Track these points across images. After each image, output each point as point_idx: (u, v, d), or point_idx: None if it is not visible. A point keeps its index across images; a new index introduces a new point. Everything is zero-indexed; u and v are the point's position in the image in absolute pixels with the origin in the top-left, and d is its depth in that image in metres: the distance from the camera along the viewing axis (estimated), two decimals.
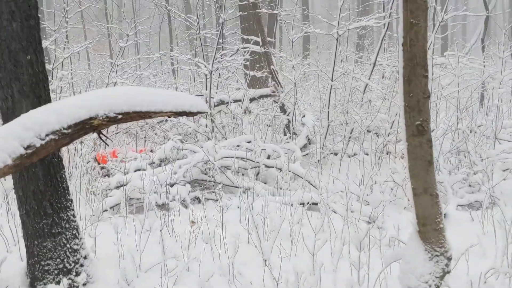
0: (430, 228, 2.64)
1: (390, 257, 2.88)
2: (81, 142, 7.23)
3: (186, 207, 5.27)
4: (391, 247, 4.47)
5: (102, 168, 6.07)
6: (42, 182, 3.18)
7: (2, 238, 4.08)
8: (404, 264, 2.73)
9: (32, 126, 1.94)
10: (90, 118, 1.98)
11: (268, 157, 6.14)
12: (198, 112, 2.17)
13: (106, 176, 6.08)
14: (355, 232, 4.32)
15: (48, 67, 8.45)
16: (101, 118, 1.98)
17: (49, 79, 7.60)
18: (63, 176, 3.32)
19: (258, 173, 6.03)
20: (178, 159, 6.09)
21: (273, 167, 5.85)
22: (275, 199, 5.31)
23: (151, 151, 6.63)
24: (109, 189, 5.46)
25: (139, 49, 17.27)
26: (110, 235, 4.27)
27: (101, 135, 2.22)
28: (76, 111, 1.93)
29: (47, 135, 1.96)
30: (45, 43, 7.75)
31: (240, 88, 8.57)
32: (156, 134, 7.66)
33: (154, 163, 6.03)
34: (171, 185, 5.45)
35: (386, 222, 4.91)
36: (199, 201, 5.36)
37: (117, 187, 5.54)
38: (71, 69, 7.00)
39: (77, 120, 1.94)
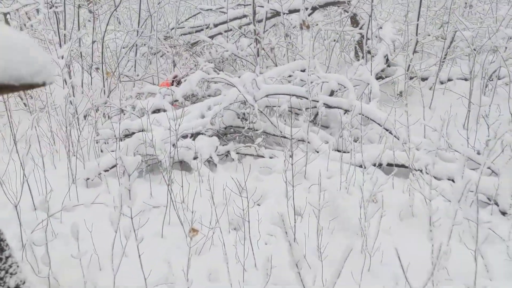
0: None
1: None
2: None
3: (215, 165, 3.81)
4: None
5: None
6: None
7: None
8: None
9: None
10: None
11: (332, 94, 4.39)
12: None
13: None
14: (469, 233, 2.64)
15: None
16: None
17: None
18: None
19: (316, 115, 4.36)
20: (210, 96, 4.54)
21: (337, 107, 4.14)
22: (339, 157, 3.70)
23: (179, 82, 5.09)
24: (115, 139, 4.08)
25: None
26: (93, 220, 2.96)
27: None
28: None
29: None
30: None
31: None
32: (192, 55, 6.02)
33: (177, 101, 4.53)
34: (194, 136, 3.97)
35: None
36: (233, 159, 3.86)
37: (126, 136, 4.16)
38: None
39: None
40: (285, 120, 4.17)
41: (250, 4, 6.17)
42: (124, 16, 8.68)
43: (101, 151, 4.17)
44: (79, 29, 6.44)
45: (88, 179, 3.64)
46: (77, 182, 3.65)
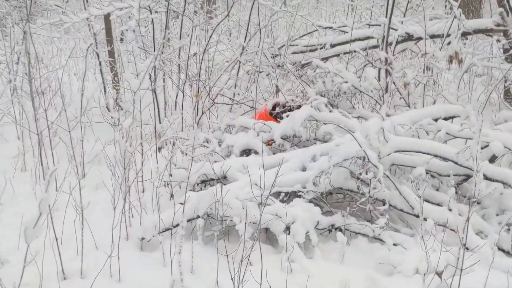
0: None
1: None
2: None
3: (313, 245, 2.72)
4: None
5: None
6: None
7: None
8: None
9: None
10: None
11: (493, 160, 3.06)
12: None
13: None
14: None
15: None
16: None
17: None
18: None
19: (460, 183, 3.06)
20: (316, 141, 3.45)
21: (500, 182, 2.83)
22: (505, 264, 2.42)
23: (282, 113, 4.04)
24: (191, 185, 3.15)
25: None
26: None
27: None
28: None
29: None
30: None
31: (439, 18, 5.33)
32: (300, 80, 4.94)
33: (273, 141, 3.52)
34: (289, 196, 2.93)
35: None
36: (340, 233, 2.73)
37: (203, 182, 3.23)
38: None
39: None
40: (417, 189, 2.94)
41: (379, 25, 5.00)
42: (233, 30, 8.00)
43: (171, 195, 3.29)
44: (180, 38, 5.77)
45: (143, 238, 2.76)
46: (130, 239, 2.80)
